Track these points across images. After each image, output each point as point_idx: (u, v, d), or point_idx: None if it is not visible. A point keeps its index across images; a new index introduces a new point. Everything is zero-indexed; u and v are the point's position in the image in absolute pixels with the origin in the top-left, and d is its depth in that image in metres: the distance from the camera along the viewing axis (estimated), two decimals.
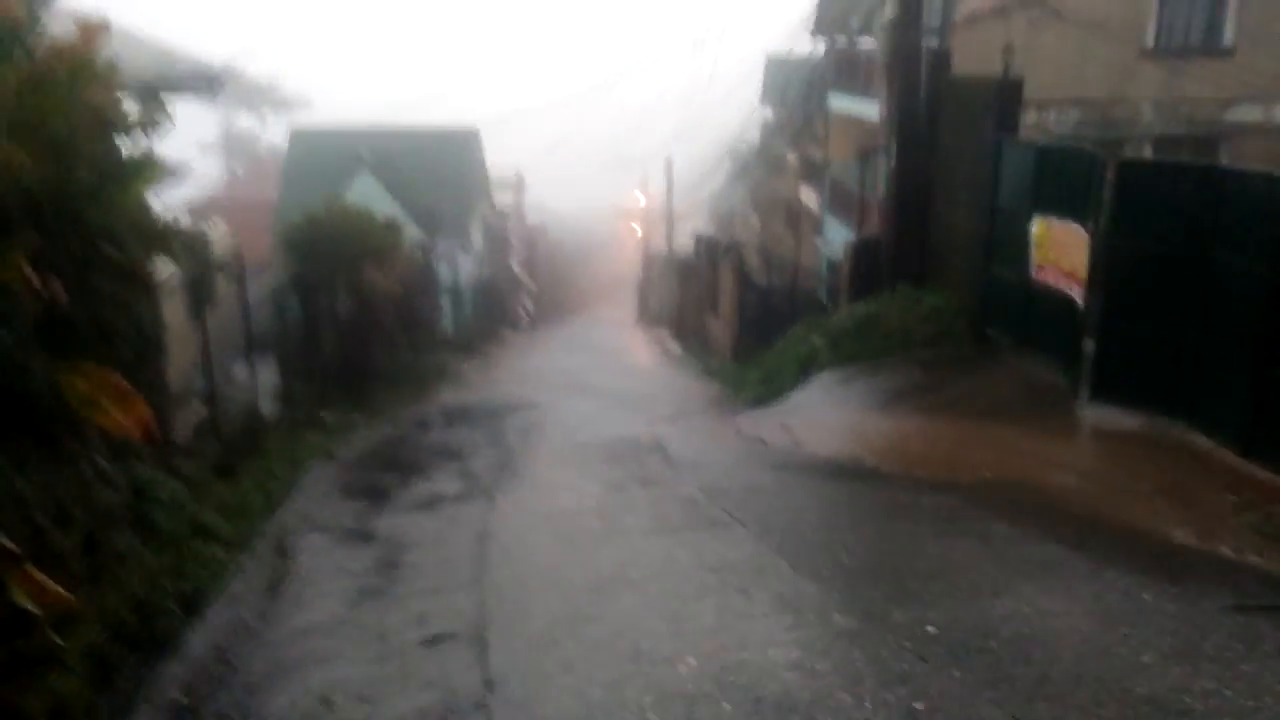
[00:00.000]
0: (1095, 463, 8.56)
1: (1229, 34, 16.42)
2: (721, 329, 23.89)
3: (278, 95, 49.89)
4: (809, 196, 26.56)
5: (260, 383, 11.33)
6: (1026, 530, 6.59)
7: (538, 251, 51.94)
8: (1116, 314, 9.46)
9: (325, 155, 30.63)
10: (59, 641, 4.84)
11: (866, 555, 6.31)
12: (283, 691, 4.72)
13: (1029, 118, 13.94)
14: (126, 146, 7.13)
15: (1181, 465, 8.12)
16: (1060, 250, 10.27)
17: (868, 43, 20.00)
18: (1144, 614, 4.96)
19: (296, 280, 13.86)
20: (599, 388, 17.75)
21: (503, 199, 41.78)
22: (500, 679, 4.55)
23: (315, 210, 15.72)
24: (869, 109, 19.14)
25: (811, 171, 26.65)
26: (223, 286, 11.56)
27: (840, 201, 22.35)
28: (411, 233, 22.55)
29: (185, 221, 9.78)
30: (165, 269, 9.13)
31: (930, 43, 14.35)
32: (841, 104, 22.25)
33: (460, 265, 30.15)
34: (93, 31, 6.11)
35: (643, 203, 52.64)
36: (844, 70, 22.21)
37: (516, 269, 43.83)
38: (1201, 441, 8.40)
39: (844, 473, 8.70)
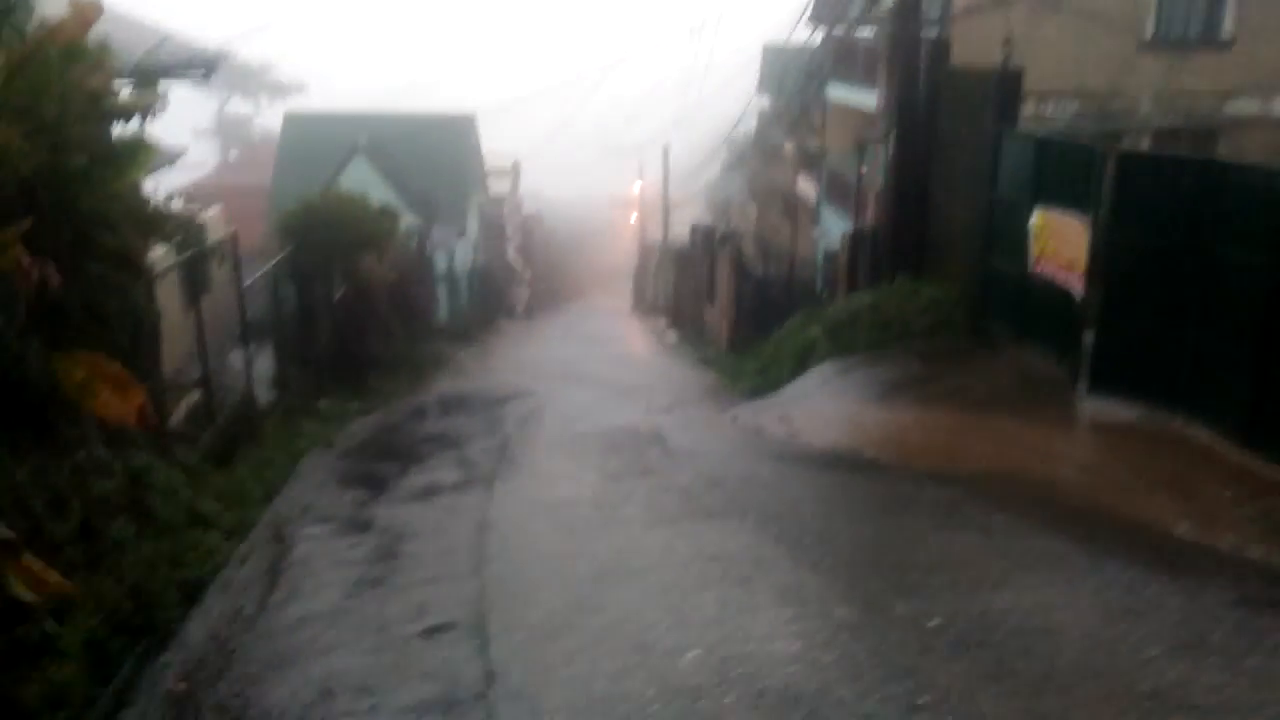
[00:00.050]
0: (1094, 455, 8.56)
1: (1228, 26, 16.38)
2: (718, 319, 23.85)
3: (273, 80, 49.69)
4: (806, 186, 26.51)
5: (256, 370, 11.26)
6: (1027, 522, 6.58)
7: (534, 240, 51.81)
8: (1116, 306, 9.44)
9: (320, 141, 30.47)
10: (57, 630, 4.82)
11: (867, 546, 6.30)
12: (282, 682, 4.69)
13: (1027, 109, 13.89)
14: (120, 130, 7.07)
15: (1181, 458, 8.12)
16: (1059, 242, 10.25)
17: (866, 32, 19.91)
18: (1147, 607, 4.95)
19: (292, 267, 13.78)
20: (596, 377, 17.71)
21: (499, 187, 41.61)
22: (501, 670, 4.52)
23: (311, 197, 15.63)
24: (867, 99, 19.09)
25: (809, 161, 26.59)
26: (218, 273, 11.51)
27: (837, 191, 22.30)
28: (407, 220, 22.44)
29: (180, 207, 9.72)
30: (160, 255, 9.08)
31: (930, 33, 14.29)
32: (839, 93, 22.18)
33: (456, 253, 30.06)
34: (85, 13, 6.03)
35: (639, 191, 52.50)
36: (842, 60, 22.13)
37: (512, 257, 43.72)
38: (1201, 434, 8.39)
39: (843, 463, 8.68)
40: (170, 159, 13.90)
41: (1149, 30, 16.47)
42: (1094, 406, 9.46)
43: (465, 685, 4.41)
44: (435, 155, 32.06)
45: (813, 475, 8.50)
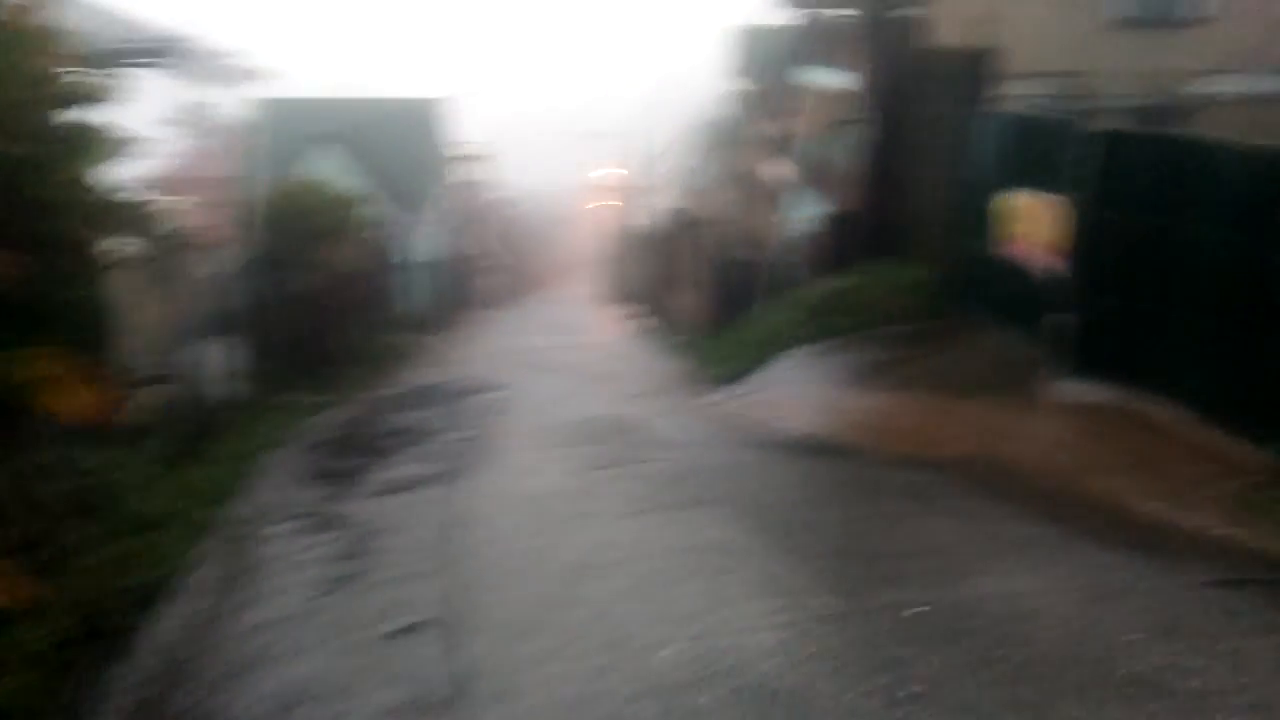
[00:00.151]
0: (1067, 436, 8.53)
1: (1202, 4, 16.41)
2: (691, 304, 23.74)
3: (237, 68, 48.87)
4: (778, 170, 26.39)
5: (218, 363, 11.02)
6: (1003, 507, 6.55)
7: (505, 226, 51.45)
8: (1091, 287, 9.40)
9: (287, 127, 29.96)
10: (5, 639, 4.64)
11: (844, 534, 6.22)
12: (245, 688, 4.53)
13: (1001, 89, 13.85)
14: (78, 118, 6.83)
15: (1152, 438, 8.11)
16: (1035, 223, 10.20)
17: (842, 14, 19.77)
18: (1124, 591, 4.91)
19: (261, 257, 13.51)
20: (567, 366, 17.55)
21: (466, 173, 41.22)
22: (474, 672, 4.39)
23: (277, 185, 15.35)
24: (842, 81, 18.96)
25: (781, 144, 26.46)
26: (180, 263, 11.24)
27: (812, 174, 22.17)
28: (375, 207, 22.12)
29: (141, 196, 9.46)
30: (120, 246, 8.83)
31: (905, 13, 14.17)
32: (814, 76, 22.04)
33: (428, 241, 29.73)
34: None
35: (610, 177, 52.26)
36: (817, 42, 21.97)
37: (480, 244, 43.38)
38: (1172, 414, 8.38)
39: (817, 450, 8.61)
40: (135, 146, 13.57)
41: (1124, 8, 16.46)
42: (1068, 388, 9.43)
43: (436, 688, 4.28)
44: (404, 141, 31.64)
45: (788, 461, 8.43)
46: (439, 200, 33.90)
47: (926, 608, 4.72)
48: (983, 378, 10.24)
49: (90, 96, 6.75)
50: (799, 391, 11.03)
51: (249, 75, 47.77)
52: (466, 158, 39.78)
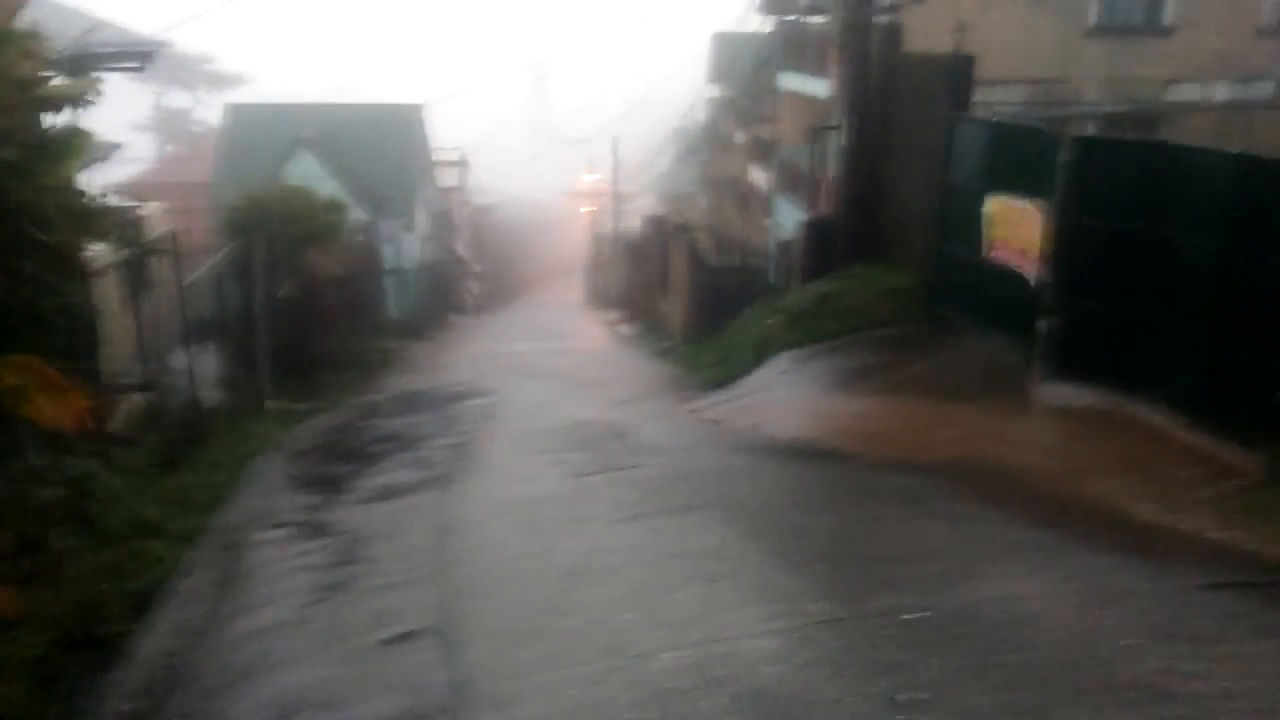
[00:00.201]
0: (1055, 440, 8.58)
1: (1170, 14, 16.65)
2: (674, 310, 23.75)
3: (211, 72, 48.54)
4: (758, 176, 26.48)
5: (202, 370, 10.91)
6: (993, 511, 6.57)
7: (484, 233, 51.26)
8: (1071, 291, 9.47)
9: (263, 133, 29.73)
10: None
11: (837, 539, 6.23)
12: (238, 698, 4.48)
13: (977, 95, 13.97)
14: (53, 122, 6.75)
15: (1139, 441, 8.17)
16: (1014, 228, 10.27)
17: (818, 21, 19.88)
18: (1119, 594, 4.93)
19: (237, 264, 13.39)
20: (552, 371, 17.49)
21: (447, 179, 41.04)
22: (470, 679, 4.35)
23: (255, 191, 15.21)
24: (819, 87, 19.06)
25: (761, 151, 26.56)
26: (160, 270, 11.13)
27: (791, 181, 22.29)
28: (354, 213, 21.98)
29: (118, 202, 9.35)
30: (98, 252, 8.73)
31: (881, 20, 14.26)
32: (791, 82, 22.14)
33: (405, 247, 29.56)
34: None
35: (590, 183, 52.22)
36: (794, 48, 22.09)
37: (463, 251, 43.22)
38: (1157, 417, 8.45)
39: (807, 454, 8.62)
40: (107, 152, 13.44)
41: (1093, 17, 16.66)
42: (1052, 392, 9.50)
43: (433, 697, 4.23)
44: (382, 147, 31.48)
45: (778, 467, 8.43)
46: (422, 206, 33.76)
47: (925, 613, 4.71)
48: (968, 382, 10.29)
49: (71, 101, 6.68)
50: (786, 396, 11.05)
51: (226, 80, 47.25)
52: (448, 163, 39.62)
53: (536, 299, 45.50)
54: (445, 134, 37.99)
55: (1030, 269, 9.89)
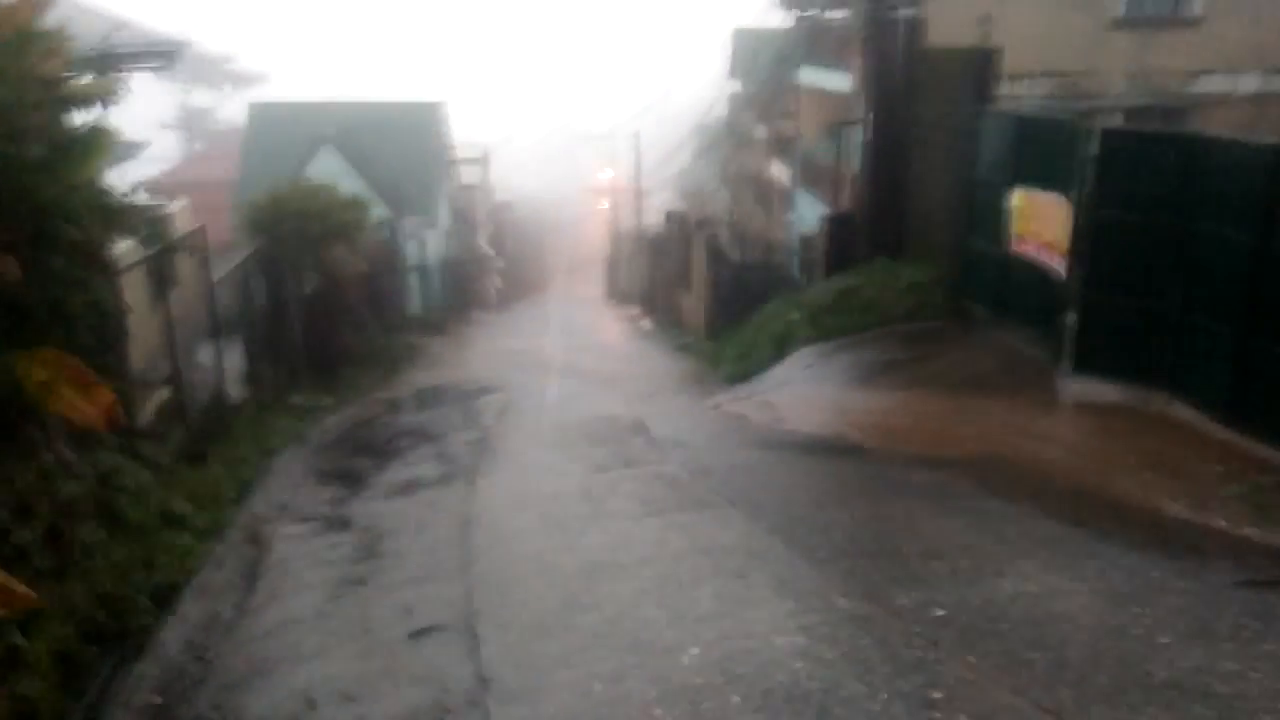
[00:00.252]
0: (1080, 436, 8.49)
1: (1197, 4, 16.40)
2: (694, 305, 23.70)
3: (235, 70, 48.84)
4: (779, 171, 26.36)
5: (227, 366, 10.97)
6: (1020, 506, 6.50)
7: (505, 229, 51.33)
8: (1098, 285, 9.36)
9: (286, 131, 29.89)
10: (24, 642, 4.58)
11: (861, 535, 6.17)
12: (263, 691, 4.49)
13: (1000, 89, 13.84)
14: (80, 120, 6.79)
15: (1165, 436, 8.07)
16: (1040, 222, 10.17)
17: (839, 15, 19.75)
18: (1152, 592, 4.85)
19: (262, 260, 13.46)
20: (573, 367, 17.52)
21: (469, 175, 41.12)
22: (494, 674, 4.34)
23: (279, 188, 15.28)
24: (841, 81, 18.96)
25: (782, 146, 26.43)
26: (186, 267, 11.19)
27: (812, 175, 22.18)
28: (377, 210, 22.06)
29: (144, 199, 9.40)
30: (125, 249, 8.79)
31: (903, 13, 14.16)
32: (812, 77, 22.03)
33: (427, 243, 29.65)
34: None
35: (610, 179, 52.18)
36: (815, 42, 21.96)
37: (484, 247, 43.30)
38: (1183, 412, 8.35)
39: (830, 449, 8.57)
40: (133, 151, 13.55)
41: (1119, 8, 16.46)
42: (1077, 387, 9.40)
43: (457, 691, 4.23)
44: (404, 144, 31.57)
45: (800, 462, 8.38)
46: (443, 202, 33.84)
47: (955, 609, 4.66)
48: (992, 377, 10.21)
49: (95, 97, 6.71)
50: (808, 391, 10.99)
51: (248, 79, 47.51)
52: (469, 160, 39.69)
53: (557, 294, 45.51)
54: (467, 130, 38.09)
55: (1055, 263, 9.78)
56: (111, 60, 7.97)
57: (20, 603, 4.25)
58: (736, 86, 33.79)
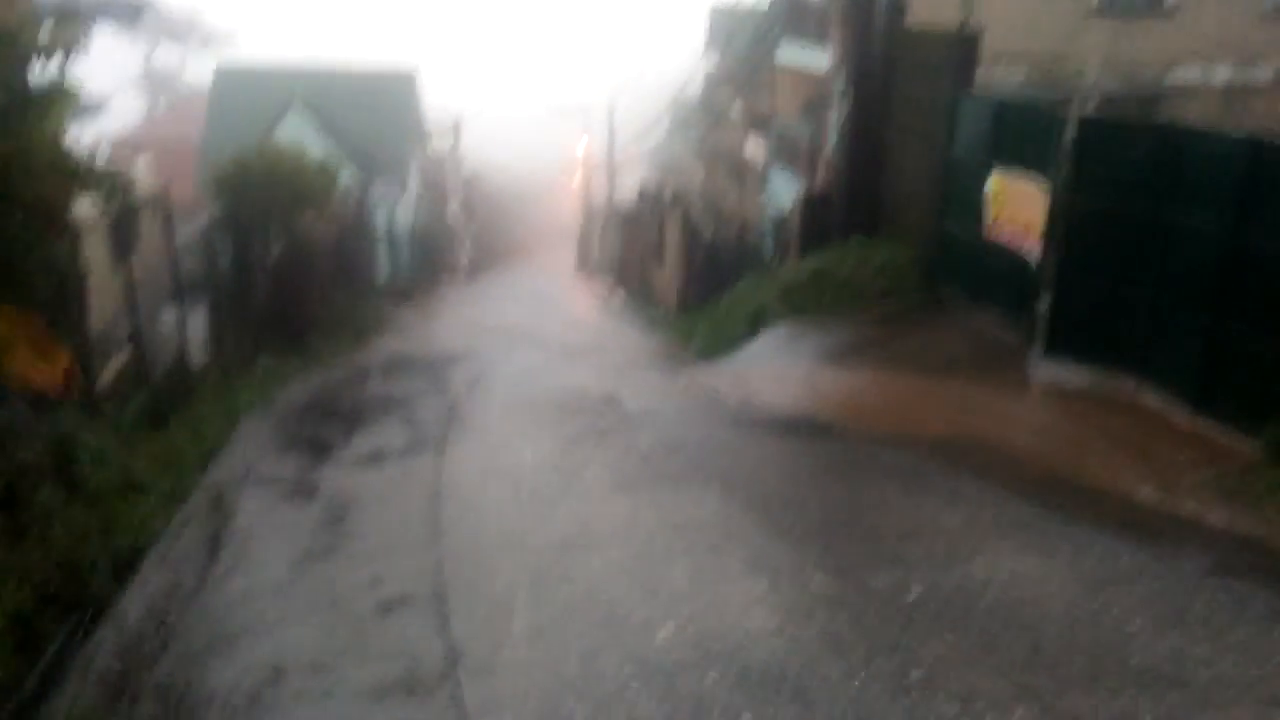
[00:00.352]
0: (1051, 420, 8.53)
1: None
2: (667, 280, 23.62)
3: (201, 29, 47.82)
4: (754, 148, 26.26)
5: (190, 329, 10.75)
6: (991, 488, 6.50)
7: (476, 199, 50.86)
8: (1071, 271, 9.39)
9: (254, 93, 29.33)
10: None
11: (835, 513, 6.15)
12: (227, 661, 4.38)
13: (978, 72, 13.83)
14: (40, 72, 6.57)
15: (1136, 422, 8.13)
16: (1016, 206, 10.17)
17: None
18: (1125, 577, 4.87)
19: (227, 223, 13.19)
20: (543, 338, 17.38)
21: (440, 144, 40.63)
22: (465, 648, 4.26)
23: (246, 151, 14.96)
24: (819, 60, 18.85)
25: (757, 123, 26.31)
26: (148, 228, 10.94)
27: (787, 154, 22.10)
28: (346, 176, 21.73)
29: (107, 158, 9.15)
30: (86, 208, 8.55)
31: None
32: (790, 54, 21.91)
33: (397, 211, 29.30)
34: None
35: (584, 151, 51.81)
36: (793, 19, 21.82)
37: (454, 216, 42.88)
38: (1154, 399, 8.41)
39: (802, 428, 8.55)
40: (96, 108, 13.18)
41: None
42: (1049, 371, 9.44)
43: (427, 665, 4.15)
44: (375, 111, 31.12)
45: (773, 439, 8.35)
46: (414, 171, 33.44)
47: (929, 590, 4.65)
48: (962, 358, 10.24)
49: (56, 50, 6.49)
50: (780, 369, 10.97)
51: (215, 37, 46.29)
52: (441, 129, 39.21)
53: (528, 265, 45.18)
54: (439, 100, 37.61)
55: (1030, 247, 9.80)
56: (74, 12, 7.71)
57: None
58: (713, 63, 33.59)
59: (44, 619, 4.80)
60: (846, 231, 13.54)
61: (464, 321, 21.33)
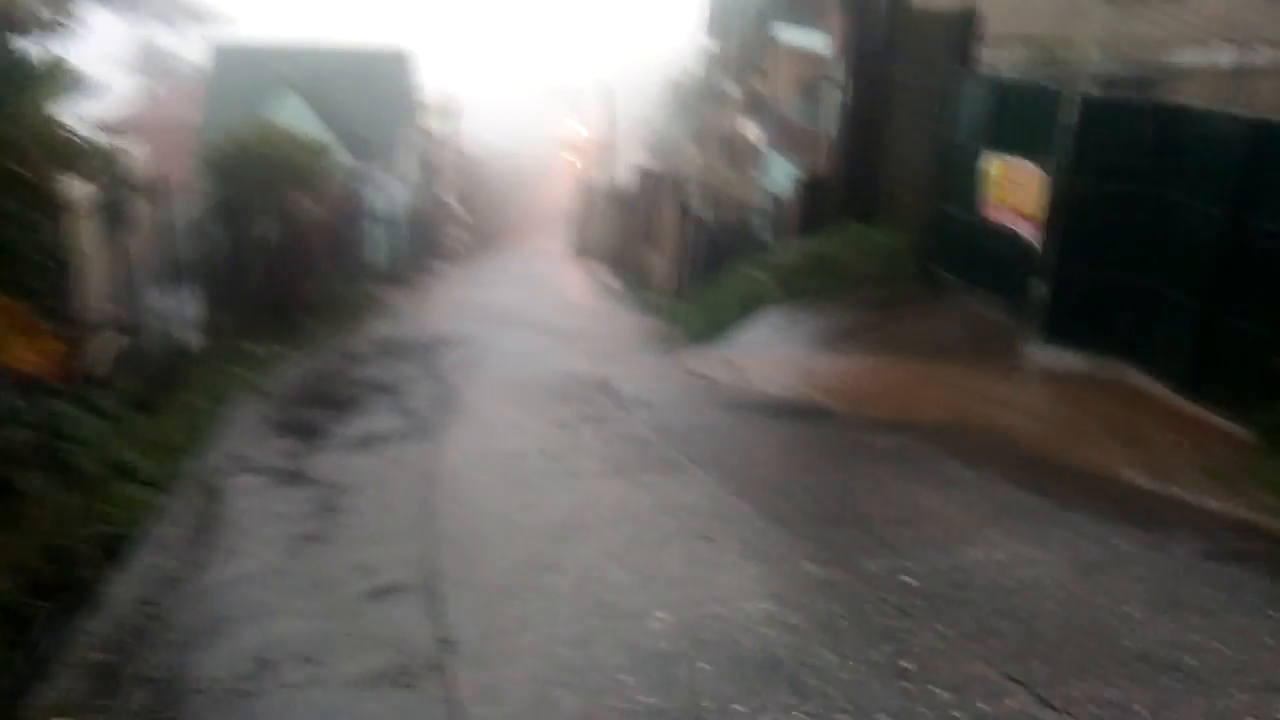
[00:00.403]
0: (1045, 404, 8.52)
1: None
2: (662, 264, 23.53)
3: (197, 8, 47.41)
4: (752, 131, 26.12)
5: (183, 313, 10.67)
6: (986, 473, 6.49)
7: (472, 181, 50.63)
8: (1069, 255, 9.35)
9: (249, 74, 29.10)
10: None
11: (829, 499, 6.12)
12: (216, 650, 4.34)
13: (977, 54, 13.72)
14: (32, 49, 6.48)
15: (1129, 406, 8.13)
16: (1015, 189, 10.11)
17: None
18: (1119, 561, 4.85)
19: (221, 205, 13.08)
20: (537, 322, 17.32)
21: (435, 126, 40.39)
22: (458, 636, 4.22)
23: (240, 132, 14.83)
24: (818, 41, 18.74)
25: (755, 105, 26.17)
26: (142, 210, 10.84)
27: (785, 136, 21.98)
28: (341, 157, 21.58)
29: (100, 138, 9.05)
30: (78, 189, 8.46)
31: None
32: (789, 36, 21.77)
33: (391, 193, 29.13)
34: None
35: (580, 134, 51.54)
36: (794, 0, 21.67)
37: (449, 198, 42.69)
38: (1147, 383, 8.41)
39: (797, 412, 8.52)
40: (90, 89, 13.00)
41: None
42: (1044, 355, 9.42)
43: (419, 653, 4.11)
44: (370, 92, 30.90)
45: (767, 424, 8.32)
46: (409, 152, 33.23)
47: (923, 576, 4.62)
48: (960, 342, 10.21)
49: (47, 25, 6.39)
50: (775, 353, 10.93)
51: (210, 16, 45.95)
52: (433, 110, 38.96)
53: (522, 248, 45.03)
54: (434, 81, 37.35)
55: (1028, 230, 9.75)
56: None
57: None
58: (712, 44, 33.39)
59: (32, 606, 4.76)
60: (844, 215, 13.49)
61: (458, 305, 21.26)
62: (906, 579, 4.59)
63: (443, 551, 5.26)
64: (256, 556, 5.46)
